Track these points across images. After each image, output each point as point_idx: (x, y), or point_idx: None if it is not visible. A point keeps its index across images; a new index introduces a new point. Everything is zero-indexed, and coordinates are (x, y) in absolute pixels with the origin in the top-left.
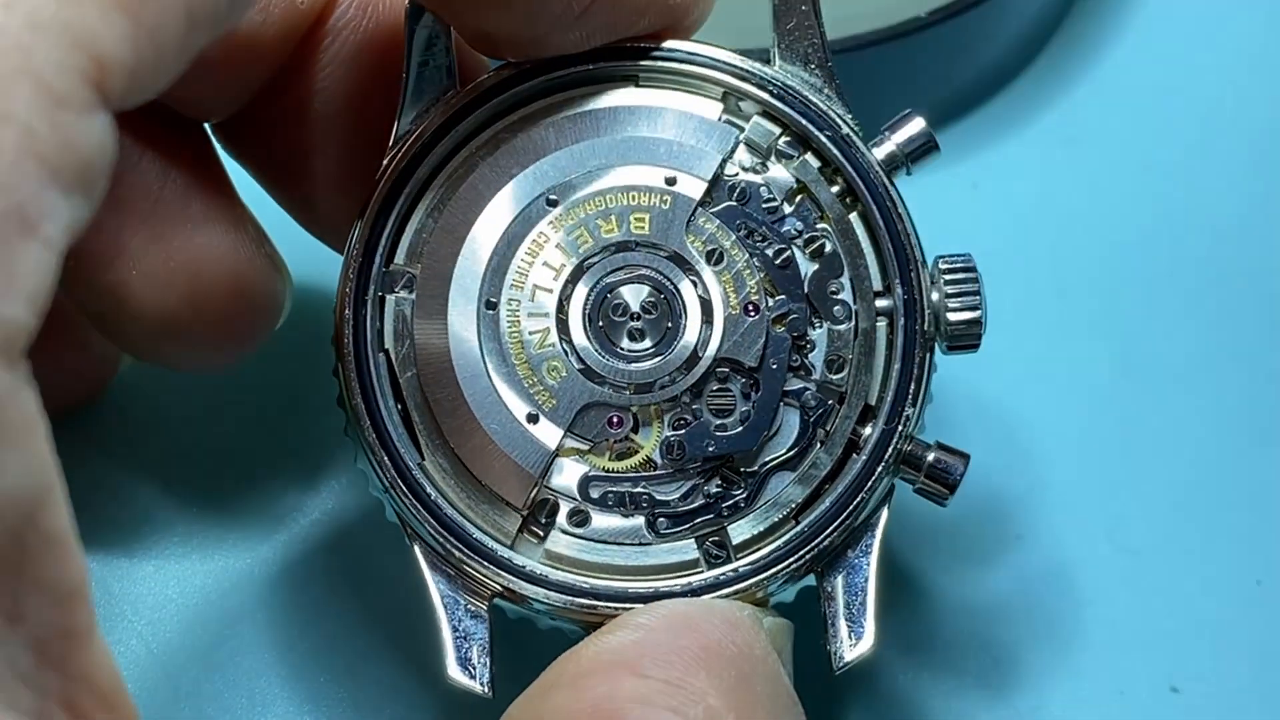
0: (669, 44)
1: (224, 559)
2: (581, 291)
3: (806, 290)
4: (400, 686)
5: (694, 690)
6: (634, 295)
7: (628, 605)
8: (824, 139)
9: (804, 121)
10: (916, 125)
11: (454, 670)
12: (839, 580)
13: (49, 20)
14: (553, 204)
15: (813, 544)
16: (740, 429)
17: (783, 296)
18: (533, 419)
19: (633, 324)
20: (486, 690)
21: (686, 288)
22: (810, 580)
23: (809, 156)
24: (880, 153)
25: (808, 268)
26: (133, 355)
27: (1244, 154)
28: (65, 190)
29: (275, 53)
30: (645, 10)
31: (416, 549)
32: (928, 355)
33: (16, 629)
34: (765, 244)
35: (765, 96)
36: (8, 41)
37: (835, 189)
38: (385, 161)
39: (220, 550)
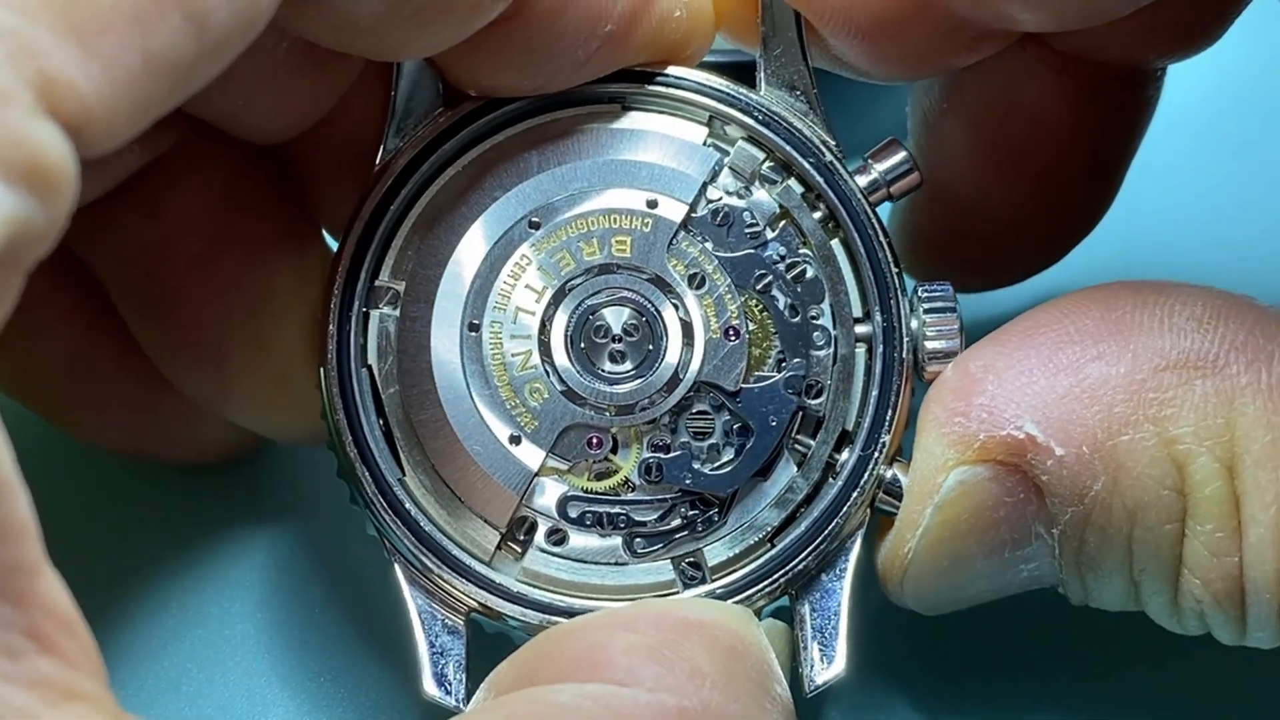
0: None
1: (224, 559)
2: (563, 314)
3: (789, 319)
4: (400, 687)
5: (683, 648)
6: (615, 317)
7: None
8: (807, 165)
9: (788, 148)
10: (899, 153)
11: (429, 686)
12: (812, 603)
13: None
14: (535, 226)
15: (787, 567)
16: (721, 472)
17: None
18: (515, 440)
19: (614, 346)
20: (461, 704)
21: (668, 310)
22: (784, 601)
23: (792, 182)
24: (863, 180)
25: (786, 296)
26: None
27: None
28: (10, 184)
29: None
30: (644, 51)
31: (395, 564)
32: (905, 382)
33: None
34: (748, 271)
35: (750, 122)
36: None
37: (817, 215)
38: (371, 178)
39: (220, 550)
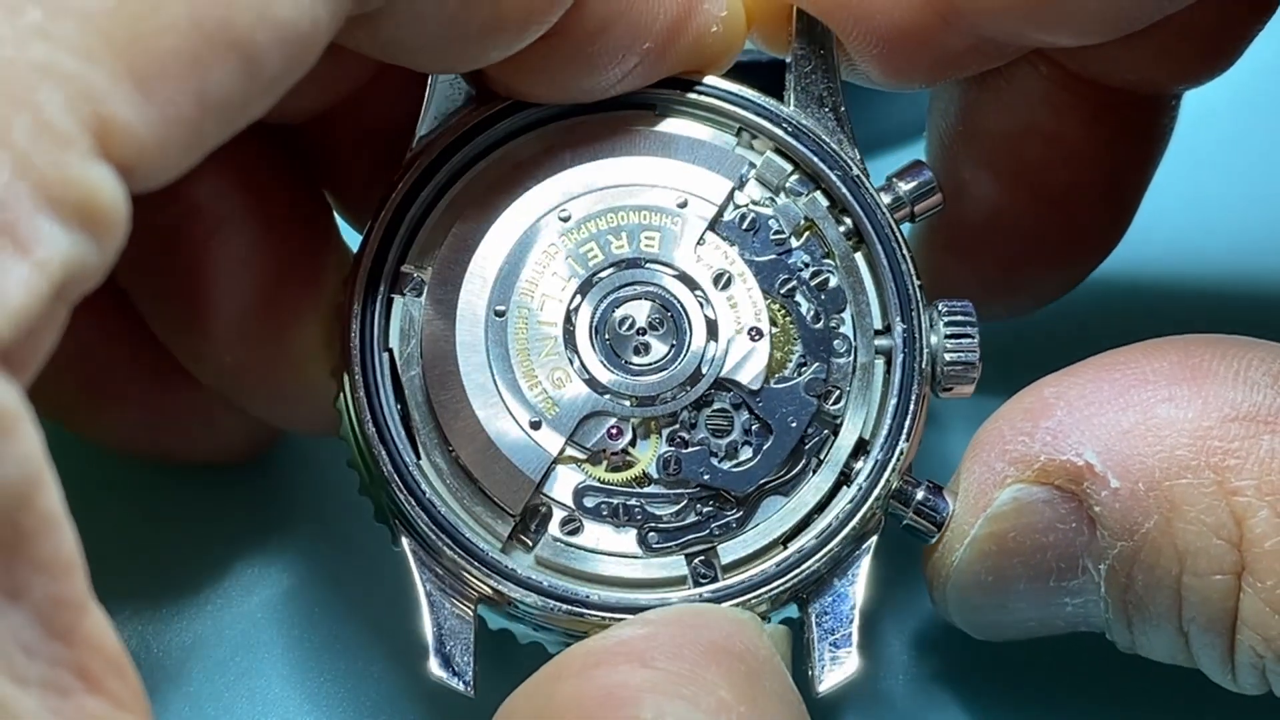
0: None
1: (224, 560)
2: (589, 304)
3: (812, 324)
4: (401, 688)
5: (705, 682)
6: (641, 311)
7: (615, 615)
8: (834, 178)
9: (816, 160)
10: (923, 174)
11: (435, 667)
12: (824, 607)
13: (56, 67)
14: (565, 219)
15: (799, 569)
16: (740, 470)
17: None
18: (535, 425)
19: (638, 339)
20: (469, 688)
21: (693, 307)
22: (792, 611)
23: (818, 195)
24: (886, 198)
25: (810, 302)
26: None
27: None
28: (64, 223)
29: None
30: (680, 65)
31: (406, 546)
32: (923, 394)
33: (18, 604)
34: (773, 276)
35: (779, 133)
36: (11, 76)
37: (842, 228)
38: (403, 165)
39: (220, 551)
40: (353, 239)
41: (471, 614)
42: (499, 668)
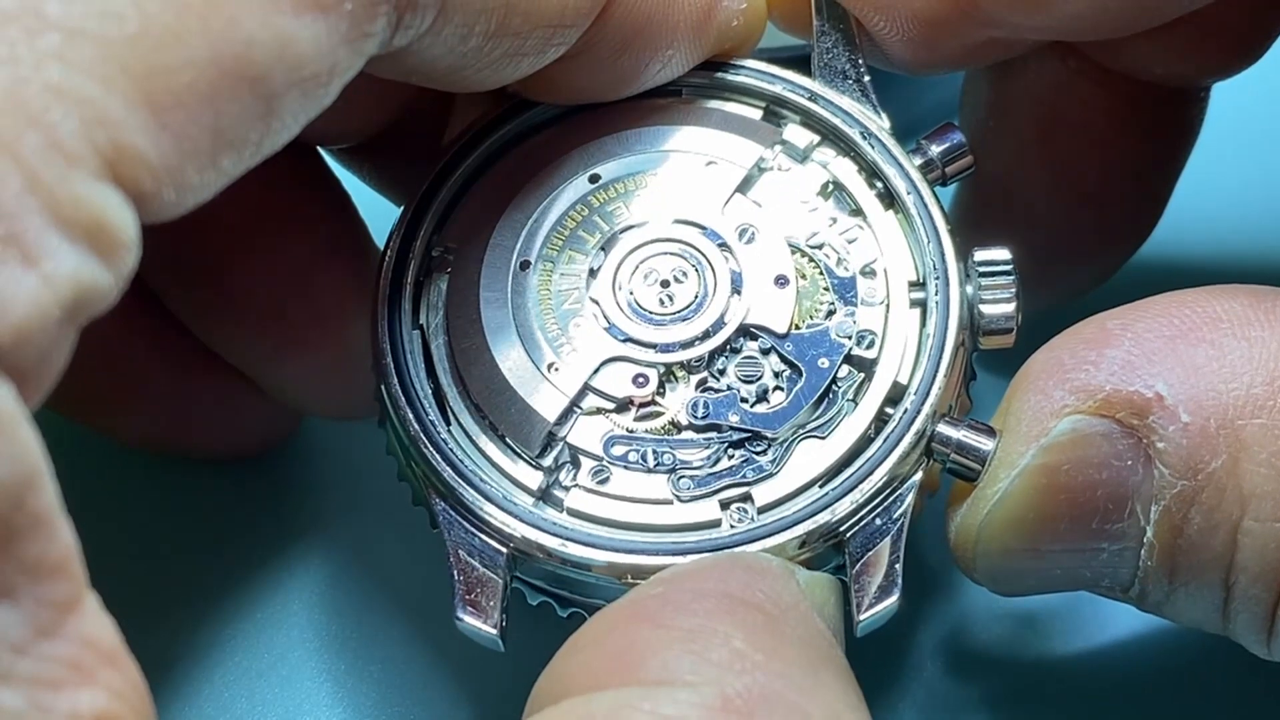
0: None
1: (223, 560)
2: (615, 257)
3: (840, 274)
4: (401, 688)
5: (717, 634)
6: (666, 264)
7: (648, 558)
8: (862, 144)
9: (842, 127)
10: (954, 135)
11: (464, 614)
12: (864, 545)
13: (72, 91)
14: (594, 180)
15: (835, 507)
16: (771, 411)
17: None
18: (553, 368)
19: (662, 290)
20: (497, 634)
21: (718, 260)
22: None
23: (847, 160)
24: (917, 160)
25: (839, 253)
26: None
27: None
28: (73, 240)
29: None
30: (706, 55)
31: (438, 506)
32: (960, 338)
33: (6, 602)
34: (800, 231)
35: (806, 104)
36: (27, 95)
37: (874, 192)
38: (440, 149)
39: (219, 554)
40: None
41: (503, 567)
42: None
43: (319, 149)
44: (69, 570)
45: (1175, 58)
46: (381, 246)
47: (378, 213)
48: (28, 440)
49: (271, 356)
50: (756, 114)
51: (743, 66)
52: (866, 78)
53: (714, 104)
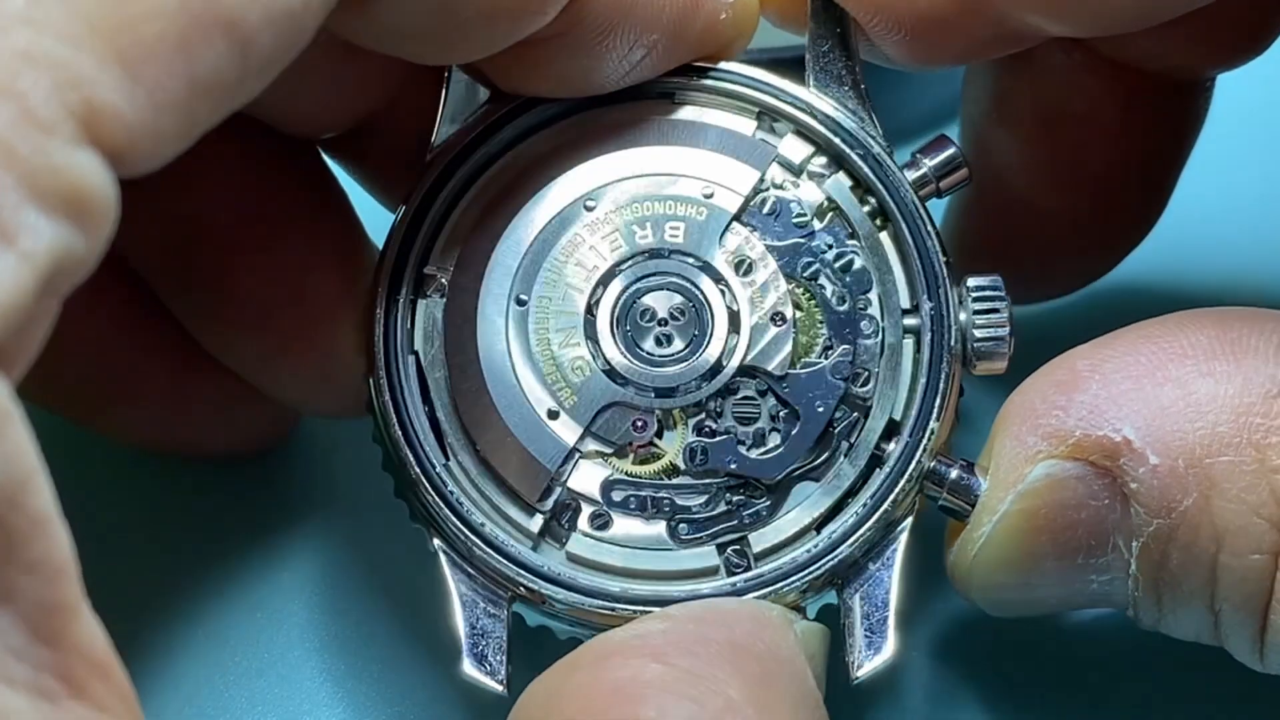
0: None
1: (223, 561)
2: (611, 294)
3: (837, 307)
4: (401, 688)
5: (716, 681)
6: (663, 301)
7: (647, 608)
8: (856, 159)
9: (836, 141)
10: (948, 149)
11: (469, 666)
12: (859, 592)
13: (41, 55)
14: (590, 208)
15: (833, 554)
16: (768, 457)
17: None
18: (553, 415)
19: (660, 329)
20: (502, 687)
21: (715, 297)
22: (830, 597)
23: (840, 175)
24: (912, 175)
25: (834, 284)
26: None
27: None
28: (49, 213)
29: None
30: (689, 54)
31: (438, 547)
32: (954, 372)
33: (6, 607)
34: (795, 260)
35: (799, 116)
36: None
37: (866, 209)
38: (422, 169)
39: (219, 553)
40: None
41: (505, 612)
42: (537, 665)
43: (320, 153)
44: (67, 575)
45: (1181, 49)
46: (378, 253)
47: (377, 213)
48: (23, 439)
49: (266, 358)
50: (750, 124)
51: (735, 73)
52: (863, 84)
53: (707, 115)
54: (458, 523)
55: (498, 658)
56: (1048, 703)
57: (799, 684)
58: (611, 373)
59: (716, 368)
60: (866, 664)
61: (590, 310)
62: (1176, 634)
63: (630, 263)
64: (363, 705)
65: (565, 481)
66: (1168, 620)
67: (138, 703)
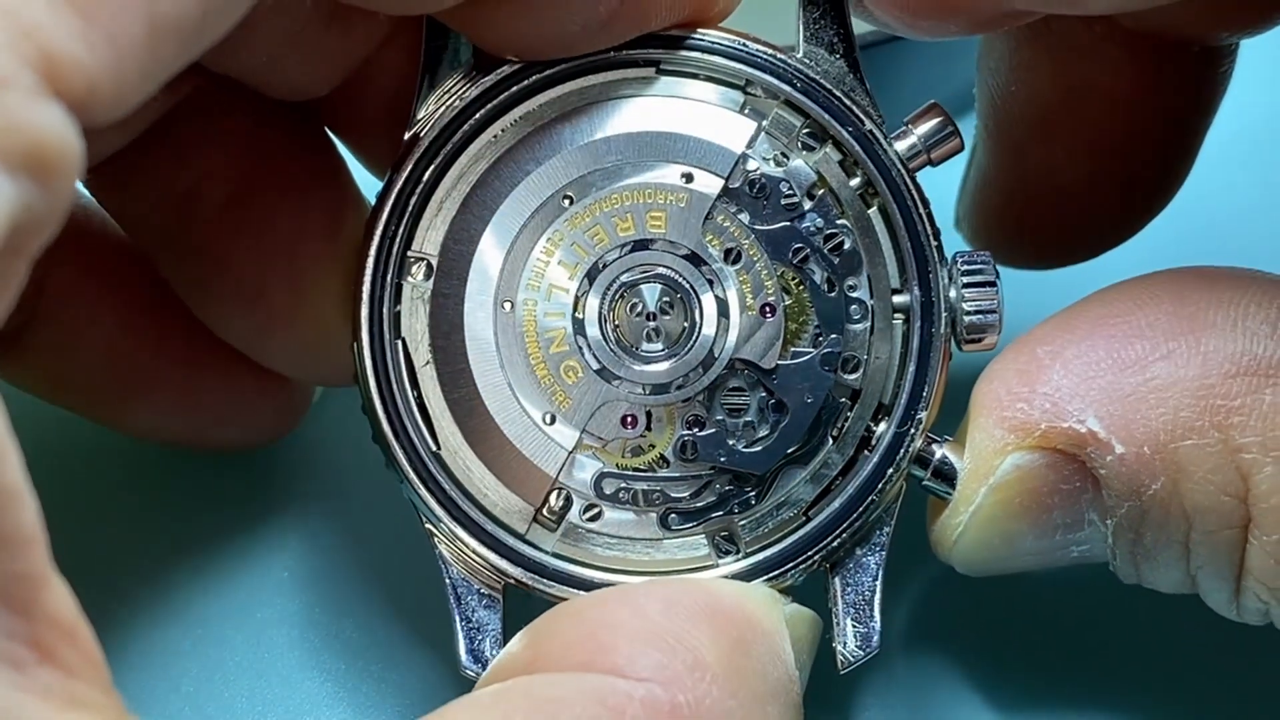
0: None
1: (222, 559)
2: (597, 291)
3: (826, 292)
4: (401, 687)
5: (689, 639)
6: (650, 295)
7: None
8: (845, 133)
9: (825, 114)
10: (938, 117)
11: (467, 662)
12: (847, 578)
13: None
14: (569, 201)
15: (823, 542)
16: (757, 450)
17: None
18: (549, 419)
19: (649, 324)
20: None
21: (703, 287)
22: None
23: (830, 149)
24: (902, 145)
25: (823, 269)
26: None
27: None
28: (11, 172)
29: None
30: (672, 8)
31: (432, 539)
32: (943, 356)
33: None
34: (785, 244)
35: (787, 88)
36: None
37: (855, 183)
38: (402, 146)
39: (218, 551)
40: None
41: (500, 601)
42: None
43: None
44: (36, 545)
45: (1203, 17)
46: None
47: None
48: None
49: (258, 328)
50: (737, 96)
51: (719, 42)
52: (855, 53)
53: (690, 87)
54: (450, 515)
55: (494, 652)
56: (1031, 666)
57: (774, 659)
58: (604, 372)
59: (708, 360)
60: (854, 652)
61: (577, 308)
62: (1158, 588)
63: (614, 256)
64: (363, 705)
65: (558, 476)
66: (1147, 580)
67: (106, 666)
